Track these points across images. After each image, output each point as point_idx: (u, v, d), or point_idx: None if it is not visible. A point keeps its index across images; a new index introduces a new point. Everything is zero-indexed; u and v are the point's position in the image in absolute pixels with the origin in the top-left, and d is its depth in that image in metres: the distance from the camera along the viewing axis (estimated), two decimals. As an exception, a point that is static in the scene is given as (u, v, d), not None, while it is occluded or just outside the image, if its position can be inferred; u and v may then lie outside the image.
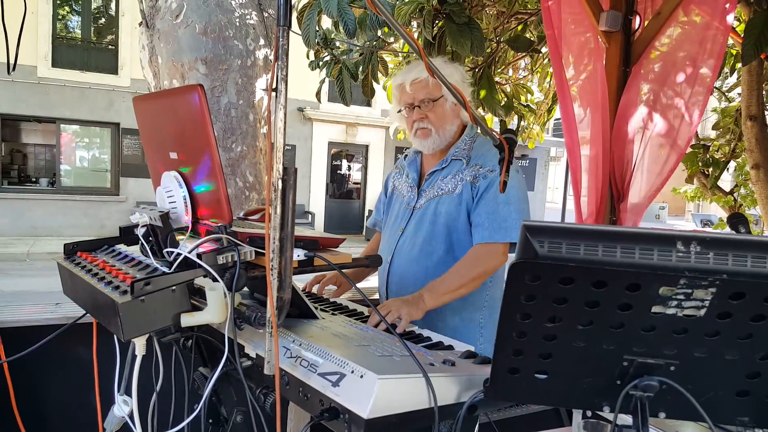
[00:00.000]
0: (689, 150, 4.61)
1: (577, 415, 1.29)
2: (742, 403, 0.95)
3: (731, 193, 4.86)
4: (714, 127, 4.87)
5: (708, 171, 4.29)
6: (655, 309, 0.83)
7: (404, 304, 1.53)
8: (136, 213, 1.28)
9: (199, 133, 1.15)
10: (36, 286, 8.42)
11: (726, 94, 5.21)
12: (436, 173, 1.88)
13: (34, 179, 13.61)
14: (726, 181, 5.48)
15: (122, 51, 12.98)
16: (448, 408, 1.02)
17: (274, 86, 0.95)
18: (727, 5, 2.27)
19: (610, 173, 2.59)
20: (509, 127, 4.24)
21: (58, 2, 12.71)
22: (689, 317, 0.83)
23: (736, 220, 1.57)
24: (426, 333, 1.44)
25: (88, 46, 12.95)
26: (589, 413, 1.29)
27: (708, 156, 4.27)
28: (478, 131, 1.90)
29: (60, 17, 12.87)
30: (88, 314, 1.41)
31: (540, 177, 18.45)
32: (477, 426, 1.44)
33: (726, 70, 4.49)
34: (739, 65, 4.05)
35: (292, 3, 1.02)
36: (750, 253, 0.79)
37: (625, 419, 0.95)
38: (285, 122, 0.96)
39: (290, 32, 1.01)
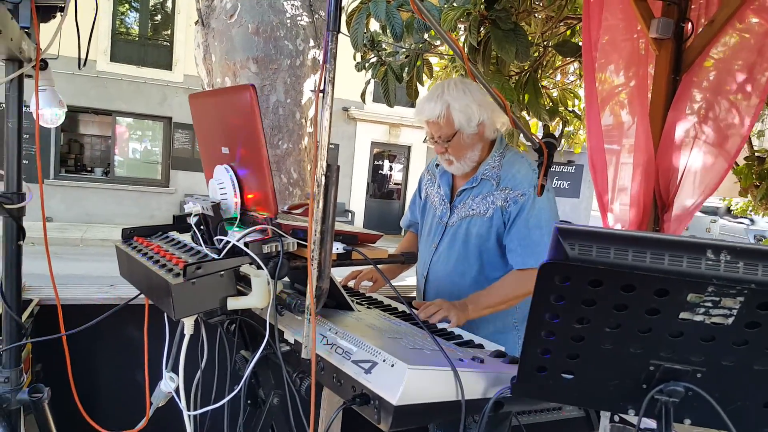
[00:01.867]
0: (743, 162, 4.46)
1: (604, 419, 1.31)
2: (772, 415, 0.95)
3: (787, 208, 4.66)
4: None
5: (760, 183, 4.14)
6: (683, 315, 0.85)
7: (453, 307, 1.62)
8: (189, 202, 1.36)
9: (250, 131, 1.22)
10: (88, 270, 8.84)
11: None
12: (467, 191, 1.89)
13: (89, 168, 14.26)
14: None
15: (177, 47, 13.44)
16: (475, 402, 1.05)
17: (321, 88, 1.01)
18: (784, 15, 2.21)
19: (655, 183, 2.55)
20: (555, 132, 4.21)
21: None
22: (717, 325, 0.84)
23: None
24: (457, 331, 1.48)
25: (144, 42, 13.48)
26: (617, 418, 1.31)
27: (763, 168, 4.13)
28: (508, 146, 1.88)
29: (119, 13, 13.45)
30: (140, 296, 1.52)
31: (586, 183, 18.05)
32: (509, 428, 1.47)
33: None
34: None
35: (342, 6, 1.08)
36: (781, 264, 0.79)
37: (651, 424, 0.96)
38: (330, 122, 1.02)
39: (339, 35, 1.07)
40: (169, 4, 13.74)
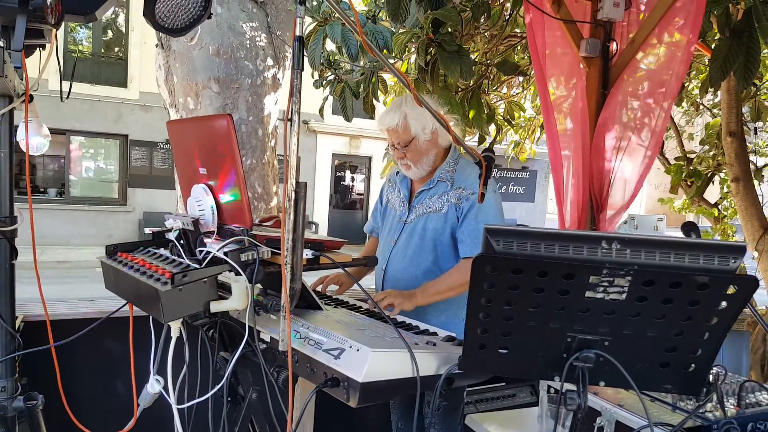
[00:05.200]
0: (674, 162, 4.86)
1: (542, 392, 1.52)
2: (665, 373, 1.17)
3: (716, 205, 5.08)
4: (701, 143, 5.12)
5: (691, 182, 4.52)
6: (588, 294, 1.06)
7: (399, 295, 1.84)
8: (170, 219, 1.52)
9: (227, 154, 1.39)
10: (47, 294, 8.64)
11: (711, 110, 5.45)
12: (424, 192, 2.12)
13: (42, 189, 13.90)
14: (716, 194, 5.70)
15: (131, 65, 13.32)
16: (429, 378, 1.24)
17: (289, 117, 1.19)
18: (690, 35, 2.52)
19: (589, 185, 2.82)
20: (504, 141, 4.50)
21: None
22: (615, 300, 1.06)
23: (689, 228, 1.81)
24: (415, 323, 1.67)
25: (98, 60, 13.30)
26: (552, 390, 1.52)
27: (691, 168, 4.51)
28: (461, 152, 2.14)
29: (70, 30, 13.24)
30: (121, 310, 1.65)
31: (540, 188, 18.69)
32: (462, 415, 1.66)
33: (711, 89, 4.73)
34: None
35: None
36: (658, 249, 1.02)
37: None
38: (298, 146, 1.20)
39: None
40: (121, 20, 13.61)
